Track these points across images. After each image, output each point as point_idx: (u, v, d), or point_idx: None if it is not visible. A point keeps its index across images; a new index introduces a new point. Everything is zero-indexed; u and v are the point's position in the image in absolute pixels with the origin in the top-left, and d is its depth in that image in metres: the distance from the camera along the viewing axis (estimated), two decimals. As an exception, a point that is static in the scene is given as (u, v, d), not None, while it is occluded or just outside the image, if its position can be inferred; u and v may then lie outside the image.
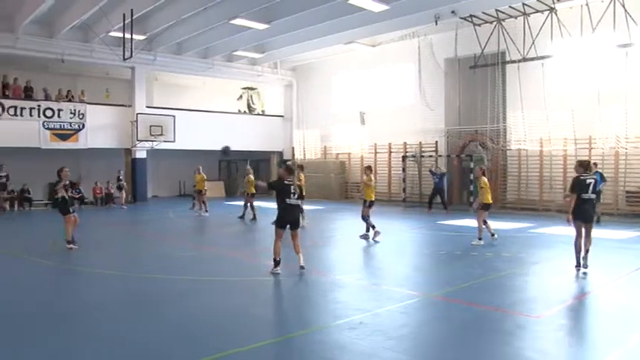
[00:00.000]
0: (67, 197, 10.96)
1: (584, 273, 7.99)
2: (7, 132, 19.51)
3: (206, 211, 17.25)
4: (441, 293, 6.98)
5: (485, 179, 10.91)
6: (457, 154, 19.93)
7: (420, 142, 21.39)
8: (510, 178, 19.00)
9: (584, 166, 8.05)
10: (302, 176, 12.33)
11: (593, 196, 7.94)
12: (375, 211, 12.38)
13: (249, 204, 16.01)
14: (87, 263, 9.33)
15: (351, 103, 24.52)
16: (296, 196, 7.93)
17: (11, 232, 14.41)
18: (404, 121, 21.79)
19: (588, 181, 7.90)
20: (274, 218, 8.14)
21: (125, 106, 22.92)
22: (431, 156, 20.68)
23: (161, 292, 7.24)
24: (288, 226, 7.94)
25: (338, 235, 13.14)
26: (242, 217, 16.03)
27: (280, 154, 27.80)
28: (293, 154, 27.09)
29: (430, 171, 19.26)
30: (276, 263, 7.97)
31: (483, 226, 10.85)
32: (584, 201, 7.77)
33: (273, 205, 8.57)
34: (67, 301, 6.93)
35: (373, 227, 11.50)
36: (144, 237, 13.31)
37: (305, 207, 13.75)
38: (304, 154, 26.41)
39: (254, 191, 16.05)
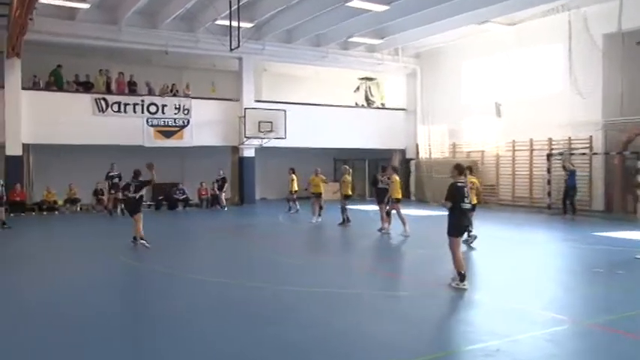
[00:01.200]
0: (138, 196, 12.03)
1: None
2: (111, 129, 20.77)
3: (319, 215, 17.29)
4: (598, 321, 6.48)
5: None
6: (619, 151, 18.78)
7: (570, 138, 20.37)
8: None
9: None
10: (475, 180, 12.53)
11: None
12: (513, 219, 11.98)
13: (342, 207, 16.38)
14: (187, 268, 9.63)
15: (485, 93, 23.87)
16: (469, 199, 8.06)
17: (114, 234, 14.90)
18: (549, 112, 20.79)
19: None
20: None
21: (232, 100, 23.62)
22: (584, 154, 19.66)
23: (266, 302, 7.29)
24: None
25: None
26: (343, 223, 15.92)
27: (402, 152, 27.42)
28: (417, 152, 26.67)
29: (563, 167, 18.90)
30: (462, 277, 8.01)
31: None
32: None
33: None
34: (162, 306, 7.14)
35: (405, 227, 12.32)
36: (249, 242, 13.53)
37: (426, 212, 14.23)
38: (430, 153, 25.92)
39: (349, 193, 16.48)
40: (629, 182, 18.47)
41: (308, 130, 24.25)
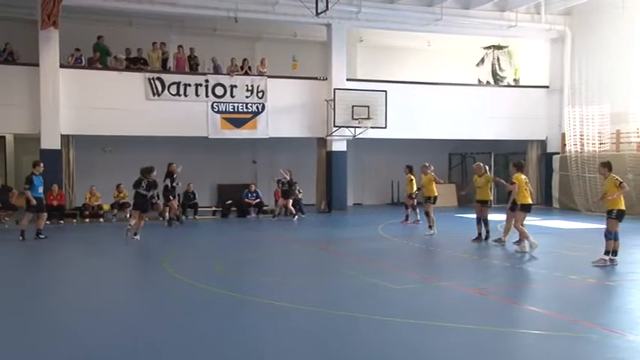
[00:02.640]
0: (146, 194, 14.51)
1: None
2: (168, 116, 20.62)
3: (430, 227, 16.28)
4: None
5: None
6: None
7: None
8: None
9: None
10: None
11: None
12: None
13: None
14: (260, 291, 9.48)
15: None
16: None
17: (184, 247, 14.76)
18: None
19: None
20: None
21: (318, 79, 23.18)
22: None
23: (362, 338, 7.01)
24: None
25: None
26: (479, 238, 14.63)
27: (542, 143, 25.70)
28: (563, 144, 24.60)
29: None
30: None
31: None
32: None
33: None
34: (229, 343, 6.83)
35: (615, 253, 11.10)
36: (338, 259, 13.15)
37: (575, 224, 14.56)
38: (582, 144, 23.69)
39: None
40: None
41: (415, 117, 23.94)
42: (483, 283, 10.40)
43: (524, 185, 13.21)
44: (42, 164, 14.82)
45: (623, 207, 11.16)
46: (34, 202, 14.57)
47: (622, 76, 22.62)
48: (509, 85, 27.00)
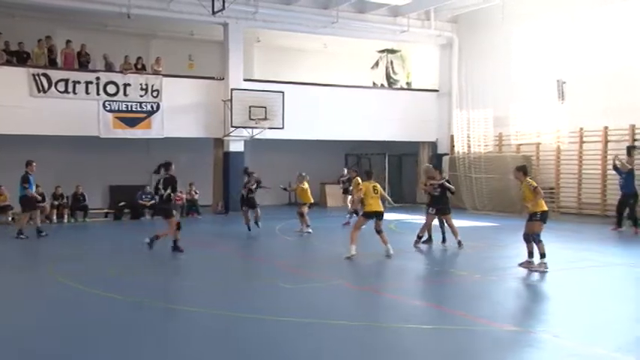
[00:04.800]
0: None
1: None
2: (56, 114, 19.59)
3: (308, 226, 16.46)
4: None
5: None
6: None
7: None
8: None
9: None
10: None
11: None
12: (579, 232, 12.36)
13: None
14: (166, 296, 9.40)
15: (543, 68, 22.98)
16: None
17: (67, 251, 14.21)
18: (631, 91, 19.68)
19: None
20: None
21: (215, 79, 22.89)
22: None
23: (257, 339, 7.02)
24: None
25: (509, 265, 12.19)
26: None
27: (433, 145, 26.52)
28: (452, 146, 25.56)
29: (614, 166, 18.20)
30: None
31: None
32: None
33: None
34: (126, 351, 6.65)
35: (542, 256, 11.13)
36: (235, 260, 13.33)
37: (466, 223, 14.46)
38: (469, 146, 24.75)
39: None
40: None
41: (313, 118, 23.98)
42: (377, 281, 10.70)
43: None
44: (34, 164, 15.45)
45: (545, 208, 11.32)
46: (39, 197, 15.84)
47: (503, 82, 23.93)
48: (402, 88, 27.55)
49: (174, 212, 13.02)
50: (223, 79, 22.62)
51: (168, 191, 12.67)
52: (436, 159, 25.77)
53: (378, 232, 12.48)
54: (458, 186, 24.21)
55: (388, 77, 27.77)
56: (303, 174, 17.73)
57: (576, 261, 12.19)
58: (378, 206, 12.25)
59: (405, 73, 28.41)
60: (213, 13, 19.05)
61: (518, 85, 23.36)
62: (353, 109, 24.41)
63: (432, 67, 27.49)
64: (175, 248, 12.82)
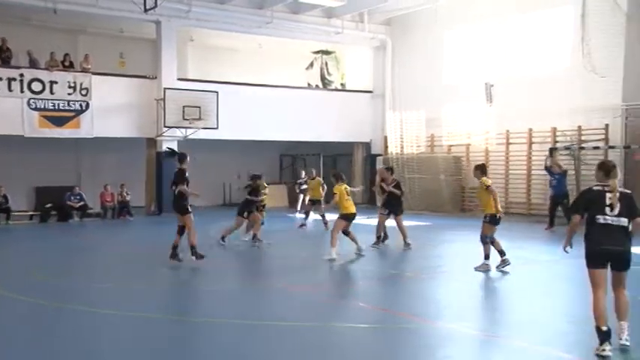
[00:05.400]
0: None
1: None
2: None
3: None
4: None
5: None
6: None
7: (580, 127, 19.96)
8: None
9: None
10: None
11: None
12: (510, 231, 12.29)
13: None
14: (90, 300, 9.07)
15: (473, 72, 23.56)
16: (616, 211, 6.54)
17: None
18: (554, 95, 20.37)
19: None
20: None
21: (148, 77, 22.53)
22: (597, 147, 19.10)
23: (192, 342, 6.96)
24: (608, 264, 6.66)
25: (449, 265, 12.92)
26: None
27: (367, 146, 26.75)
28: (385, 146, 25.78)
29: (546, 167, 18.80)
30: (604, 336, 6.33)
31: None
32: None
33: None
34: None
35: (502, 254, 11.14)
36: (165, 263, 12.76)
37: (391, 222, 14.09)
38: (402, 147, 24.97)
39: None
40: None
41: (248, 118, 23.79)
42: (311, 281, 10.63)
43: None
44: None
45: (495, 210, 11.15)
46: None
47: (435, 85, 24.36)
48: (336, 89, 27.67)
49: (189, 209, 11.54)
50: (156, 78, 22.26)
51: (173, 187, 11.47)
52: (370, 160, 26.04)
53: (347, 233, 12.58)
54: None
55: (323, 78, 27.90)
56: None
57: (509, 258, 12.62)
58: (354, 207, 12.38)
59: (340, 75, 28.54)
60: (145, 10, 18.72)
61: (450, 88, 23.79)
62: (288, 110, 24.37)
63: (366, 68, 27.69)
64: (174, 255, 11.43)
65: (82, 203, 20.48)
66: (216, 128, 22.10)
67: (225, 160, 25.41)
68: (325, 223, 17.06)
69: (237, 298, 9.30)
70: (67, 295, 9.22)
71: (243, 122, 23.35)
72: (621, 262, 6.51)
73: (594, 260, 6.53)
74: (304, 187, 20.65)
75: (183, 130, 21.96)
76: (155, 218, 21.31)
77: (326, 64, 28.05)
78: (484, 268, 10.77)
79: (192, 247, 11.35)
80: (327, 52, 27.81)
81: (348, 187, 12.77)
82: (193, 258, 11.28)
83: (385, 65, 26.49)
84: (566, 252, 6.88)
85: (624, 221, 6.53)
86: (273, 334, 7.34)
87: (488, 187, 10.91)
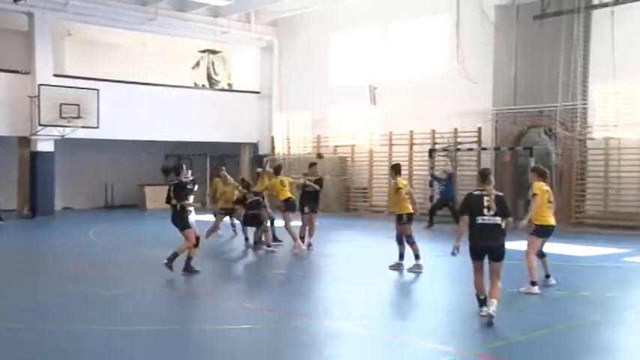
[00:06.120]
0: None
1: None
2: None
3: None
4: (486, 349, 7.02)
5: (542, 184, 9.83)
6: (510, 146, 19.38)
7: (456, 130, 20.75)
8: (592, 182, 18.52)
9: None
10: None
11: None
12: (393, 230, 12.10)
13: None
14: None
15: (358, 74, 24.05)
16: (492, 211, 7.81)
17: None
18: (433, 99, 21.08)
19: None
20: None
21: (20, 72, 21.73)
22: (471, 149, 20.10)
23: (70, 350, 6.83)
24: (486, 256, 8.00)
25: (336, 264, 13.04)
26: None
27: (254, 146, 26.84)
28: (272, 147, 25.98)
29: (431, 175, 19.79)
30: (481, 302, 7.94)
31: (538, 263, 9.93)
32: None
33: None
34: None
35: (416, 257, 11.30)
36: (41, 268, 12.54)
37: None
38: (289, 148, 25.30)
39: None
40: (521, 184, 18.54)
41: (132, 117, 23.39)
42: (197, 284, 10.53)
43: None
44: None
45: (410, 210, 11.29)
46: None
47: (321, 86, 24.77)
48: (223, 90, 27.48)
49: (191, 223, 10.94)
50: (29, 73, 21.35)
51: (175, 202, 10.58)
52: (257, 160, 25.85)
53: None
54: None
55: (209, 78, 27.82)
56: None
57: (387, 255, 12.77)
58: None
59: (227, 75, 28.48)
60: (15, 0, 18.01)
61: (336, 90, 24.24)
62: (174, 109, 24.10)
63: (253, 69, 27.80)
64: (187, 268, 10.62)
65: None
66: (97, 127, 21.56)
67: (108, 160, 24.76)
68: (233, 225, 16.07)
69: (123, 303, 9.16)
70: None
71: (127, 121, 22.85)
72: (497, 255, 7.75)
73: (474, 254, 7.79)
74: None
75: (60, 129, 21.15)
76: (28, 222, 20.44)
77: (213, 63, 27.96)
78: (396, 268, 11.09)
79: (176, 256, 10.60)
80: (213, 52, 27.73)
81: (285, 179, 13.24)
82: (165, 264, 10.49)
83: (272, 66, 26.68)
84: (454, 254, 7.95)
85: (499, 220, 7.75)
86: (152, 339, 7.33)
87: (398, 189, 11.09)
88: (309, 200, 13.70)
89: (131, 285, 10.25)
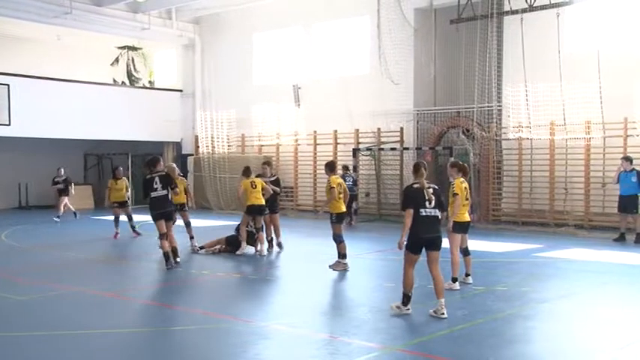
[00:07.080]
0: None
1: None
2: None
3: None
4: (408, 344, 7.21)
5: (461, 181, 10.12)
6: (431, 145, 19.61)
7: (379, 130, 20.98)
8: (508, 181, 18.94)
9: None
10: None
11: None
12: (317, 229, 12.85)
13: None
14: None
15: (282, 74, 24.08)
16: (433, 204, 8.07)
17: None
18: (356, 99, 21.36)
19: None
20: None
21: None
22: (394, 149, 20.40)
23: None
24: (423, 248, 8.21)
25: (262, 263, 13.04)
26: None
27: (177, 145, 26.57)
28: (196, 147, 25.73)
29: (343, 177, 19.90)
30: (407, 300, 8.21)
31: (461, 260, 10.19)
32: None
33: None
34: None
35: (343, 256, 11.59)
36: None
37: (212, 222, 14.74)
38: (212, 147, 25.07)
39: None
40: (442, 183, 19.03)
41: (46, 115, 22.72)
42: (121, 287, 10.51)
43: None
44: None
45: (341, 210, 11.44)
46: None
47: (245, 85, 24.69)
48: (144, 87, 27.15)
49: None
50: None
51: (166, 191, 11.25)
52: (181, 159, 25.74)
53: (258, 230, 13.04)
54: (203, 186, 24.77)
55: (129, 75, 27.40)
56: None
57: (315, 254, 13.03)
58: (261, 201, 12.82)
59: (148, 72, 28.13)
60: None
61: (260, 89, 24.21)
62: (92, 107, 23.55)
63: (175, 66, 27.59)
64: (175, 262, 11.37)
65: None
66: (9, 125, 21.19)
67: (21, 159, 24.11)
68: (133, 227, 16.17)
69: (38, 307, 8.94)
70: None
71: (42, 119, 22.33)
72: (436, 245, 8.07)
73: (415, 247, 7.99)
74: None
75: (-34, 127, 19.96)
76: None
77: (132, 60, 27.58)
78: (342, 268, 11.19)
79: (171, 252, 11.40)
80: (133, 48, 27.32)
81: (257, 180, 13.11)
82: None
83: (194, 64, 26.43)
84: (401, 249, 8.09)
85: (438, 212, 8.06)
86: (70, 344, 7.18)
87: (331, 188, 11.16)
88: (266, 201, 13.61)
89: (46, 289, 10.01)
